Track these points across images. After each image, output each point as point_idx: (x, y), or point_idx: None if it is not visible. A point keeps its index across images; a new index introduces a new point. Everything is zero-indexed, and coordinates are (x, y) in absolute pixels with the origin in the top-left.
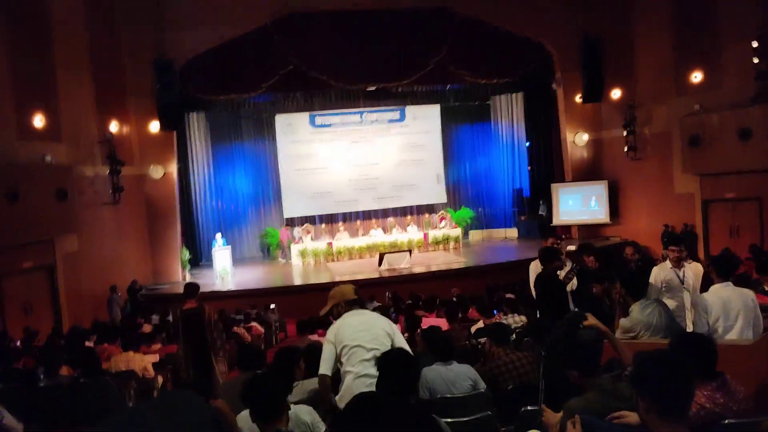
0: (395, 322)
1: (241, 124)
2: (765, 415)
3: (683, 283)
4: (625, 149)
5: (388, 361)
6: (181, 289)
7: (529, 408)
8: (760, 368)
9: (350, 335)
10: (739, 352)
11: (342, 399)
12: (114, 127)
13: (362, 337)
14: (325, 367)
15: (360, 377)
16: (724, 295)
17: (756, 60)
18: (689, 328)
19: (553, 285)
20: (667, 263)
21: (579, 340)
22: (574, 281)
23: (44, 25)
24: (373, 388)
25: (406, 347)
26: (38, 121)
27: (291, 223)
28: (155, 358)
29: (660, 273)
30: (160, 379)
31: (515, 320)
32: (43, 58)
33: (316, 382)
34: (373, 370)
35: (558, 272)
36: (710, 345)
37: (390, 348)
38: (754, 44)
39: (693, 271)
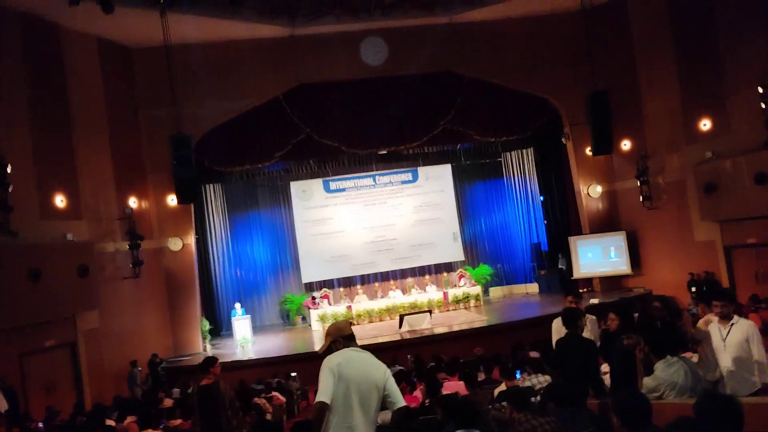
0: (414, 388)
1: (257, 192)
2: None
3: (724, 342)
4: (641, 199)
5: None
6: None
7: None
8: None
9: (349, 377)
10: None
11: None
12: (133, 202)
13: (358, 386)
14: (325, 396)
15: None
16: None
17: (763, 105)
18: (729, 389)
19: (578, 348)
20: (714, 318)
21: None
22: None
23: (65, 108)
24: None
25: (400, 397)
26: (59, 201)
27: (309, 287)
28: None
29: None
30: None
31: (539, 380)
32: (63, 139)
33: None
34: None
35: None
36: (735, 407)
37: (377, 402)
38: (760, 90)
39: (741, 329)
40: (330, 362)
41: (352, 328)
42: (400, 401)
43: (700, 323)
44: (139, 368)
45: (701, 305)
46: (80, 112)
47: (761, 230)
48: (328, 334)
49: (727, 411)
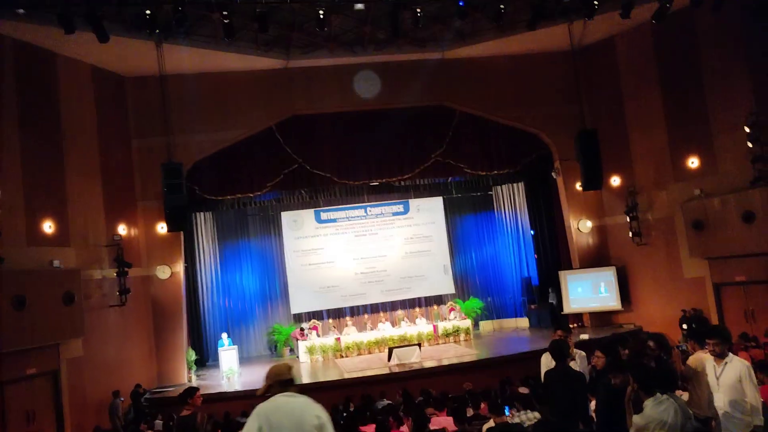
0: (402, 422)
1: (247, 222)
2: None
3: (718, 380)
4: (630, 235)
5: None
6: None
7: None
8: None
9: (277, 424)
10: None
11: None
12: (122, 229)
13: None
14: None
15: None
16: None
17: (750, 144)
18: (723, 429)
19: (567, 381)
20: (705, 355)
21: None
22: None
23: (56, 134)
24: None
25: None
26: (47, 227)
27: (298, 318)
28: None
29: (700, 361)
30: None
31: (528, 417)
32: (54, 166)
33: None
34: None
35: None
36: None
37: None
38: (747, 130)
39: (735, 369)
40: (258, 409)
41: (342, 362)
42: None
43: (691, 360)
44: (122, 399)
45: (691, 342)
46: (72, 138)
47: (749, 268)
48: (267, 377)
49: None
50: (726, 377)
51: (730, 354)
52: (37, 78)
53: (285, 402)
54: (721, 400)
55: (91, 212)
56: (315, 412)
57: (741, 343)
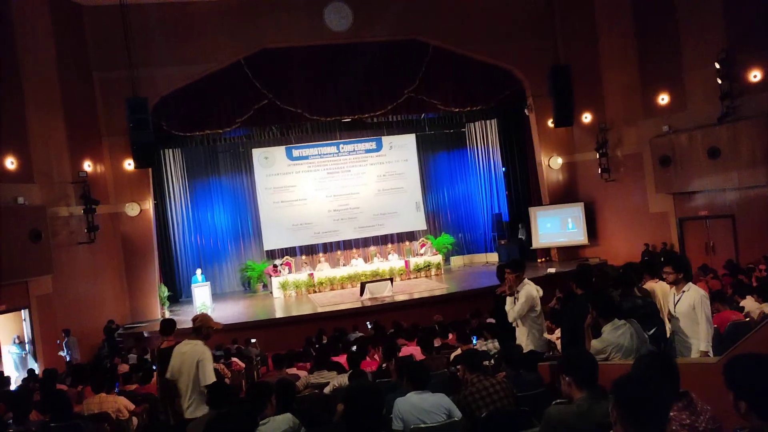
0: (366, 353)
1: (218, 158)
2: None
3: (675, 307)
4: (599, 171)
5: (356, 393)
6: (158, 327)
7: None
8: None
9: (177, 364)
10: (705, 370)
11: None
12: (88, 166)
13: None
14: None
15: None
16: None
17: (719, 81)
18: (677, 353)
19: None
20: (655, 284)
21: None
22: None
23: (14, 67)
24: None
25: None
26: (10, 163)
27: (271, 255)
28: (129, 399)
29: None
30: (135, 421)
31: (495, 345)
32: (13, 100)
33: (288, 418)
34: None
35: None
36: (671, 365)
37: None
38: (717, 66)
39: (690, 297)
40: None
41: (316, 297)
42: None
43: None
44: (73, 337)
45: (645, 274)
46: (31, 71)
47: (712, 203)
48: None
49: (664, 368)
50: (682, 304)
51: (689, 283)
52: None
53: (181, 348)
54: (675, 326)
55: (54, 148)
56: (197, 354)
57: (700, 275)
